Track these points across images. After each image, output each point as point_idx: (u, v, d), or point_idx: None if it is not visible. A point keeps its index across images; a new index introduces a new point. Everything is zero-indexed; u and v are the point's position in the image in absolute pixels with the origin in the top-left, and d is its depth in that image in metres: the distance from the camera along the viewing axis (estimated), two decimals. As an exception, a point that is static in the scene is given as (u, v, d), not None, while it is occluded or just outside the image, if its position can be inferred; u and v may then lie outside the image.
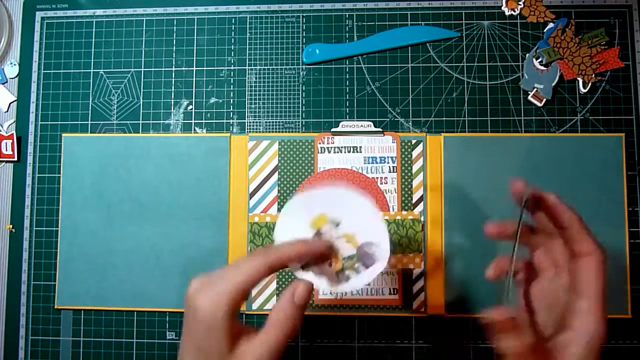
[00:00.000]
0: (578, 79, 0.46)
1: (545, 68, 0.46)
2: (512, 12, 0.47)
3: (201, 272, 0.31)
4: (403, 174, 0.45)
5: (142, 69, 0.48)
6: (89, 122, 0.48)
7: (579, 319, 0.28)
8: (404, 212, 0.44)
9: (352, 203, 0.34)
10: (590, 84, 0.46)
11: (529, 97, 0.46)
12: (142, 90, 0.48)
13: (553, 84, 0.45)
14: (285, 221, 0.34)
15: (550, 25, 0.46)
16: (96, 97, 0.48)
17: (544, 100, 0.45)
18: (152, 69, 0.48)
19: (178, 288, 0.45)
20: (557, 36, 0.46)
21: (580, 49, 0.45)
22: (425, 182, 0.45)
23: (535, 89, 0.46)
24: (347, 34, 0.48)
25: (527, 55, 0.46)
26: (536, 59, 0.46)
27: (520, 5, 0.47)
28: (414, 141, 0.45)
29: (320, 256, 0.33)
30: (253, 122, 0.47)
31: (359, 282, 0.33)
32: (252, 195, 0.45)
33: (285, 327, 0.30)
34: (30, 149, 0.48)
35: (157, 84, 0.48)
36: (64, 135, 0.47)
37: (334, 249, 0.33)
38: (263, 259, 0.30)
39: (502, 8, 0.47)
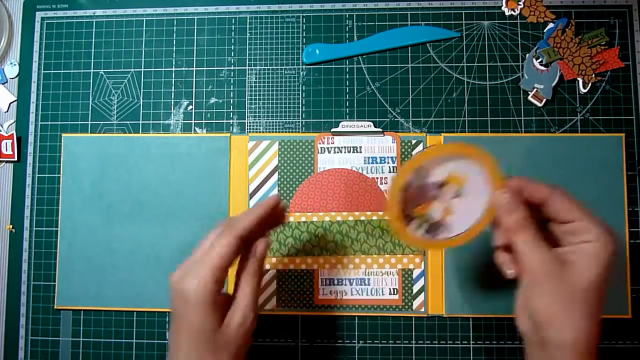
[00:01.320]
0: (578, 79, 0.46)
1: (545, 68, 0.46)
2: (512, 12, 0.47)
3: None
4: (403, 174, 0.45)
5: (142, 69, 0.48)
6: (89, 122, 0.48)
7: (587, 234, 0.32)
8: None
9: (484, 191, 0.36)
10: (590, 84, 0.46)
11: (529, 97, 0.46)
12: (142, 90, 0.48)
13: (553, 84, 0.45)
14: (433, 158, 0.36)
15: (550, 25, 0.46)
16: (96, 97, 0.48)
17: (544, 100, 0.45)
18: (152, 69, 0.48)
19: (178, 288, 0.45)
20: (557, 36, 0.46)
21: (580, 49, 0.45)
22: (426, 182, 0.45)
23: (535, 89, 0.46)
24: (347, 34, 0.48)
25: (527, 55, 0.46)
26: (536, 59, 0.46)
27: (520, 5, 0.47)
28: (414, 141, 0.45)
29: (275, 214, 0.37)
30: (253, 122, 0.47)
31: (411, 234, 0.36)
32: (252, 195, 0.45)
33: (254, 283, 0.34)
34: (30, 149, 0.48)
35: (157, 84, 0.48)
36: (64, 135, 0.47)
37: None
38: (231, 233, 0.33)
39: (502, 8, 0.47)
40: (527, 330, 0.34)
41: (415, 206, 0.36)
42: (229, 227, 0.34)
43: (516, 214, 0.34)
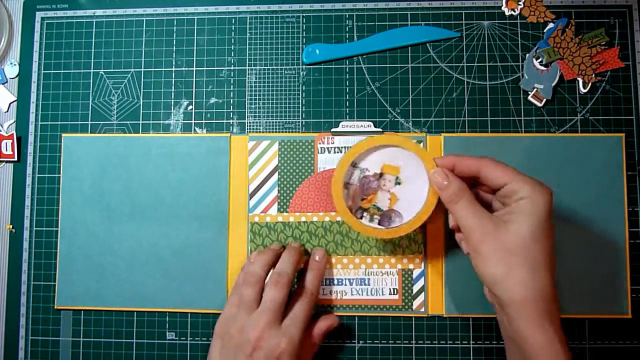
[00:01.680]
0: (578, 79, 0.46)
1: (545, 68, 0.46)
2: (512, 12, 0.47)
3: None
4: (403, 174, 0.45)
5: (142, 69, 0.48)
6: (89, 122, 0.48)
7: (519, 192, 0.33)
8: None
9: (422, 178, 0.39)
10: (590, 84, 0.46)
11: (529, 97, 0.46)
12: (142, 90, 0.48)
13: (553, 84, 0.45)
14: (364, 155, 0.40)
15: (550, 25, 0.46)
16: (96, 97, 0.48)
17: (544, 100, 0.45)
18: (152, 69, 0.48)
19: (178, 288, 0.45)
20: (557, 36, 0.46)
21: (581, 49, 0.45)
22: (425, 182, 0.45)
23: (535, 89, 0.46)
24: (347, 34, 0.48)
25: (527, 55, 0.46)
26: (536, 59, 0.46)
27: (520, 5, 0.47)
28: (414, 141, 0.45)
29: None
30: (253, 122, 0.47)
31: (365, 224, 0.40)
32: (252, 195, 0.45)
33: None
34: (30, 149, 0.48)
35: (157, 84, 0.48)
36: (64, 135, 0.47)
37: (373, 193, 0.41)
38: (310, 302, 0.40)
39: (502, 8, 0.47)
40: (488, 297, 0.35)
41: (362, 200, 0.40)
42: (311, 293, 0.40)
43: (450, 186, 0.36)
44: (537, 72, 0.46)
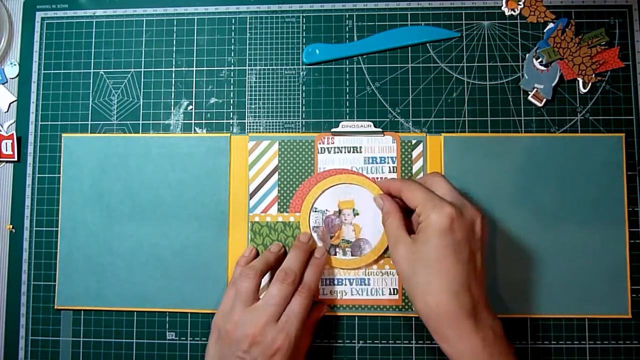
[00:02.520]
0: (578, 79, 0.46)
1: (545, 68, 0.46)
2: (512, 12, 0.47)
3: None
4: (403, 174, 0.45)
5: (142, 69, 0.48)
6: (89, 122, 0.48)
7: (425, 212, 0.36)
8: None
9: (374, 206, 0.44)
10: (590, 84, 0.46)
11: (529, 97, 0.46)
12: (142, 90, 0.48)
13: (553, 84, 0.45)
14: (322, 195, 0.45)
15: (550, 25, 0.46)
16: (96, 97, 0.48)
17: (544, 100, 0.45)
18: (152, 69, 0.48)
19: (178, 288, 0.45)
20: (557, 36, 0.46)
21: (581, 49, 0.45)
22: (425, 182, 0.45)
23: (535, 89, 0.46)
24: (347, 34, 0.48)
25: (527, 55, 0.46)
26: (536, 59, 0.46)
27: (520, 5, 0.47)
28: (414, 141, 0.45)
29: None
30: (253, 122, 0.47)
31: (340, 259, 0.44)
32: (252, 195, 0.45)
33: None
34: (30, 149, 0.48)
35: (157, 84, 0.48)
36: (64, 135, 0.47)
37: (342, 228, 0.44)
38: (309, 296, 0.40)
39: (502, 8, 0.47)
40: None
41: (331, 237, 0.44)
42: (308, 289, 0.40)
43: (384, 207, 0.41)
44: (537, 72, 0.46)
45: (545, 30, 0.46)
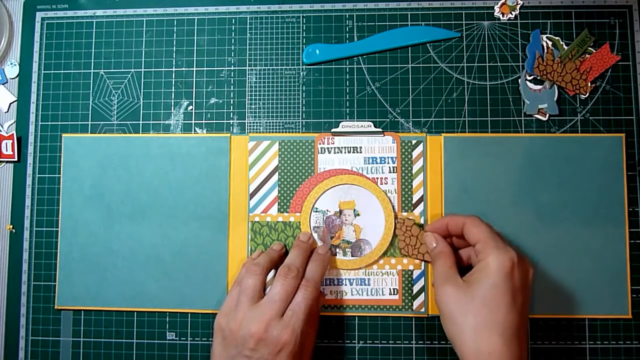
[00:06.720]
0: (577, 94, 0.45)
1: (540, 86, 0.46)
2: (505, 17, 0.47)
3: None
4: (403, 175, 0.45)
5: (142, 69, 0.48)
6: (89, 122, 0.48)
7: (484, 253, 0.36)
8: (404, 213, 0.44)
9: (376, 204, 0.44)
10: (588, 93, 0.45)
11: (535, 115, 0.45)
12: (142, 90, 0.48)
13: (555, 99, 0.45)
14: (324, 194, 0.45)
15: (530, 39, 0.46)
16: (96, 97, 0.48)
17: (548, 115, 0.45)
18: (152, 69, 0.48)
19: (178, 288, 0.45)
20: (540, 64, 0.45)
21: (566, 66, 0.45)
22: (426, 182, 0.45)
23: (539, 109, 0.45)
24: (347, 34, 0.48)
25: (519, 80, 0.46)
26: (529, 81, 0.46)
27: (516, 11, 0.47)
28: (414, 141, 0.45)
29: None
30: (253, 123, 0.47)
31: (340, 259, 0.44)
32: (252, 195, 0.45)
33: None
34: (30, 149, 0.48)
35: (157, 84, 0.48)
36: (64, 135, 0.47)
37: (341, 229, 0.44)
38: (314, 291, 0.39)
39: (496, 14, 0.47)
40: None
41: (331, 238, 0.44)
42: (313, 283, 0.39)
43: (438, 246, 0.41)
44: (535, 93, 0.46)
45: (526, 50, 0.46)
